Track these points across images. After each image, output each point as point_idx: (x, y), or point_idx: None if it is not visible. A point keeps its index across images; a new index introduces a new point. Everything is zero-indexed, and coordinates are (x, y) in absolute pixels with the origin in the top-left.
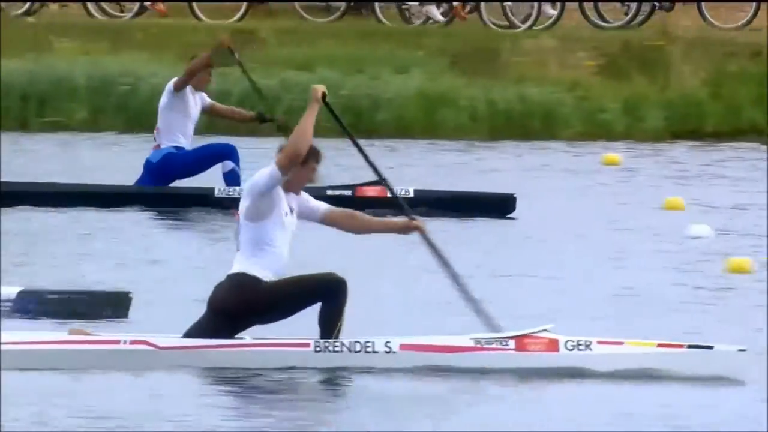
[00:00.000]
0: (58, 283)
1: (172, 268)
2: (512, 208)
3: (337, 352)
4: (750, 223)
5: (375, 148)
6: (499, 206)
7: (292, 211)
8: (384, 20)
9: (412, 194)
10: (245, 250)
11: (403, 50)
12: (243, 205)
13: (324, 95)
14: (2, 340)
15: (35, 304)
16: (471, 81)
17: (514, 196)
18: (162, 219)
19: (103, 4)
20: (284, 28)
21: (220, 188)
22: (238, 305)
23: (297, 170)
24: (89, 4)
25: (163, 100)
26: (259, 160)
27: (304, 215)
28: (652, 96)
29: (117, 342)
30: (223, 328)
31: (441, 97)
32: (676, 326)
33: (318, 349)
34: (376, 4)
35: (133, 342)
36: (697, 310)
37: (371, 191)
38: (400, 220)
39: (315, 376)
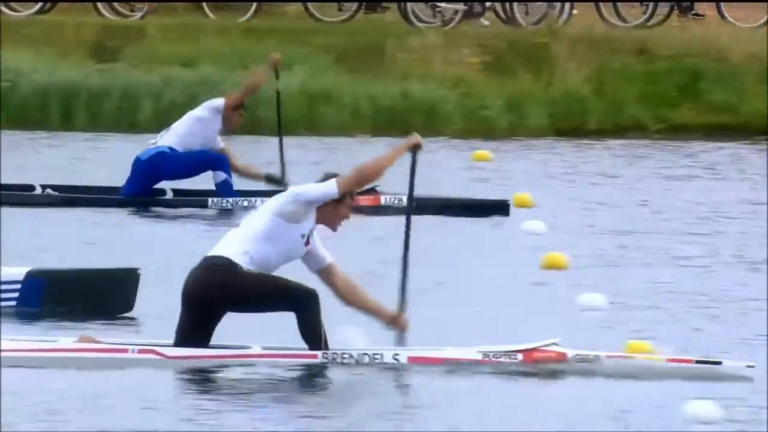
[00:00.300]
0: None
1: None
2: (506, 213)
3: (345, 363)
4: (601, 219)
5: (258, 144)
6: (495, 211)
7: (308, 242)
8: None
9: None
10: (246, 235)
11: (289, 47)
12: (280, 202)
13: (416, 147)
14: (10, 346)
15: (44, 284)
16: (355, 78)
17: (508, 202)
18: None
19: (114, 4)
20: (169, 25)
21: (213, 200)
22: (211, 289)
23: (333, 205)
24: (99, 4)
25: (199, 112)
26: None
27: (309, 260)
28: (536, 93)
29: (125, 351)
30: (197, 317)
31: (324, 94)
32: (490, 323)
33: (326, 359)
34: (408, 4)
35: (141, 351)
36: (506, 306)
37: (365, 200)
38: (389, 312)
39: (321, 384)
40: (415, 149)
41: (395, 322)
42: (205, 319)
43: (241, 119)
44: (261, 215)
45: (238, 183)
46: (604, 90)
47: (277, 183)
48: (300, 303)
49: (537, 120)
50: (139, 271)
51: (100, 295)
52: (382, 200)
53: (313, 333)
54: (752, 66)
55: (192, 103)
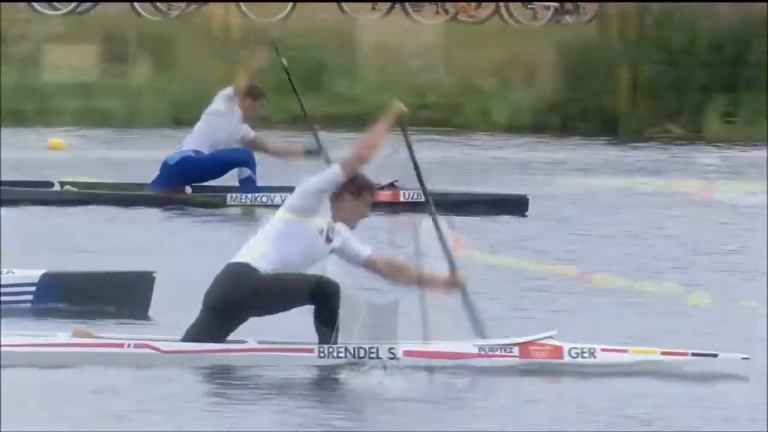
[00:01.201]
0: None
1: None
2: (526, 208)
3: (340, 357)
4: None
5: None
6: (514, 207)
7: (329, 239)
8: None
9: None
10: (264, 238)
11: None
12: (290, 199)
13: (401, 115)
14: (6, 342)
15: (58, 287)
16: None
17: (527, 196)
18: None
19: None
20: None
21: (233, 195)
22: (231, 295)
23: (351, 202)
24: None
25: (213, 105)
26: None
27: (346, 257)
28: (154, 85)
29: (121, 345)
30: (217, 323)
31: None
32: None
33: (322, 354)
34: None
35: (137, 345)
36: None
37: (384, 195)
38: (444, 276)
39: (317, 379)
40: (400, 117)
41: (454, 283)
42: (225, 326)
43: (261, 108)
44: (276, 217)
45: (274, 171)
46: (225, 80)
47: (317, 154)
48: (324, 296)
49: (155, 112)
50: (154, 274)
51: (114, 299)
52: (401, 196)
53: (329, 325)
54: (378, 57)
55: None
